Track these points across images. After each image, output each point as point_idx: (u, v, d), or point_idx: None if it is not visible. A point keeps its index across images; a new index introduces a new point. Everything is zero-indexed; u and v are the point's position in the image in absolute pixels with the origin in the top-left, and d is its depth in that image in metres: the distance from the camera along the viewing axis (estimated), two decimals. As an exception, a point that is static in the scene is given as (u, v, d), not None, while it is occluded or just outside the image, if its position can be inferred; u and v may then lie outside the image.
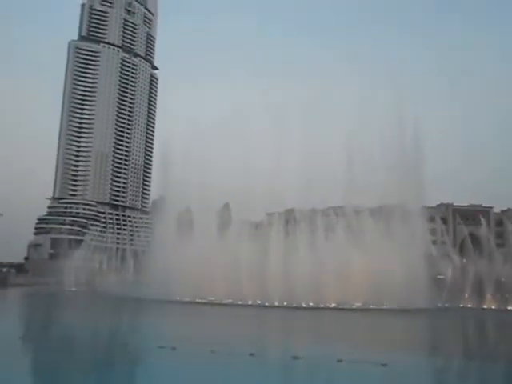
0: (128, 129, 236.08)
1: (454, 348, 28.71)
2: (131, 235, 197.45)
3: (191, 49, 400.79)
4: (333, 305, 55.62)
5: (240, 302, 56.81)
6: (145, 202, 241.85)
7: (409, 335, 34.15)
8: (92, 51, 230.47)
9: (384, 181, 65.02)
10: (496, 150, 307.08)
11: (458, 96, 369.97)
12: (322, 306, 54.36)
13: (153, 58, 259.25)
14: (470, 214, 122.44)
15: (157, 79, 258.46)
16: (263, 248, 62.59)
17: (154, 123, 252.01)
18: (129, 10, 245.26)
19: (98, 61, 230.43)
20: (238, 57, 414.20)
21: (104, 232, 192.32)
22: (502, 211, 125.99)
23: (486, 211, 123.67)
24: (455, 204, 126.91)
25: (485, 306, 66.05)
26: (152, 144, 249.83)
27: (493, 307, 65.61)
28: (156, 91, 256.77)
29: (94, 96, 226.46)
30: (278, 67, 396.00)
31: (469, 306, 65.32)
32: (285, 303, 55.36)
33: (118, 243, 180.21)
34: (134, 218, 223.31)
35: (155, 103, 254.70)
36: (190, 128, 70.46)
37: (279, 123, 67.60)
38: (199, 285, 58.99)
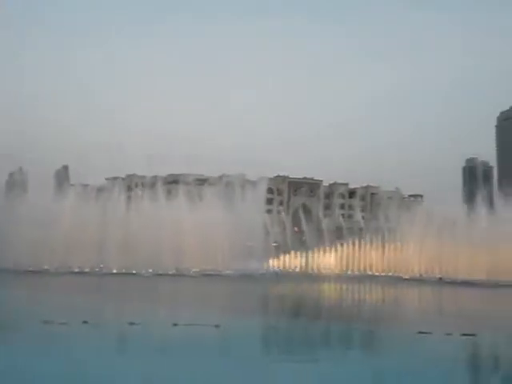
0: None
1: (278, 309, 31.37)
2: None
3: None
4: (172, 271, 56.42)
5: (77, 270, 54.62)
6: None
7: (241, 299, 36.31)
8: None
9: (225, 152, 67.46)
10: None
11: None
12: (160, 272, 54.72)
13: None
14: (303, 187, 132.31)
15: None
16: (103, 213, 60.83)
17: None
18: None
19: None
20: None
21: None
22: (330, 184, 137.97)
23: (316, 184, 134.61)
24: (291, 176, 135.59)
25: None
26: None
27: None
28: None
29: None
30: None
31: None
32: (123, 270, 54.59)
33: None
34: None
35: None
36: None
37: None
38: (35, 252, 54.94)
